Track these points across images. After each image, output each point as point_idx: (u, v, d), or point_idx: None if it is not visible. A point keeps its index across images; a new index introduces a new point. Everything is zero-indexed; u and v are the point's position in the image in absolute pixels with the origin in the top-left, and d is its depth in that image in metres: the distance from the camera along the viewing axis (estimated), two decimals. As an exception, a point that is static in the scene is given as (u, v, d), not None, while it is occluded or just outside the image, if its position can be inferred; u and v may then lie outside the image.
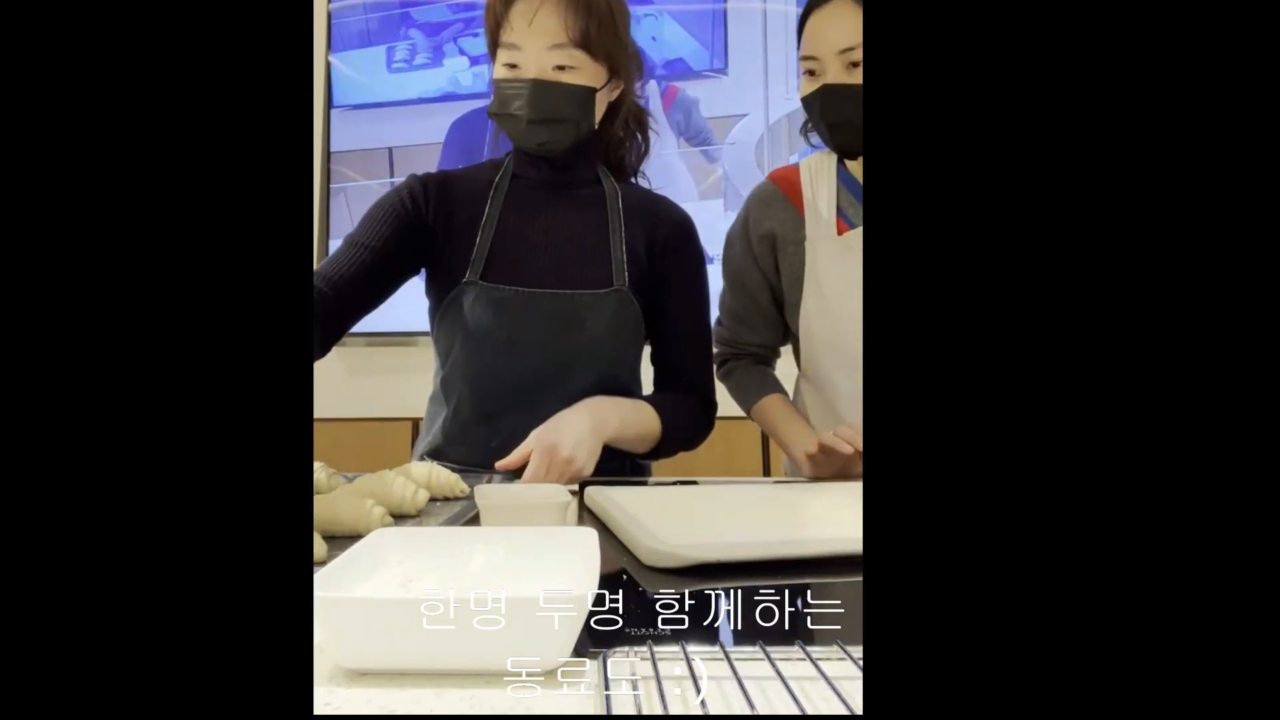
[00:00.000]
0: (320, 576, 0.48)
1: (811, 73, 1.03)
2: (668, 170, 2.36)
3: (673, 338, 1.15)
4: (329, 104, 2.48)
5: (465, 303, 1.07)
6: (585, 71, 1.02)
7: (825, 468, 0.98)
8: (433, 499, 0.91)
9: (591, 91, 1.04)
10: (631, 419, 1.04)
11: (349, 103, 2.49)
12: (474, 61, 2.47)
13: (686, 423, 1.12)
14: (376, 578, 0.54)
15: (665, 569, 0.65)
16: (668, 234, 1.14)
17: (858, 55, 0.98)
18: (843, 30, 0.99)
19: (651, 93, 2.34)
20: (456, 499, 0.92)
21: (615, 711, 0.41)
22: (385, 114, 2.47)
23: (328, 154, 2.47)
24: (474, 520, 0.78)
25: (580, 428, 0.96)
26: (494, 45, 1.05)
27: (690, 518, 0.79)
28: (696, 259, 1.17)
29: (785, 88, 2.31)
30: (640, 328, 1.12)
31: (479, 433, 1.09)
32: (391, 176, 2.46)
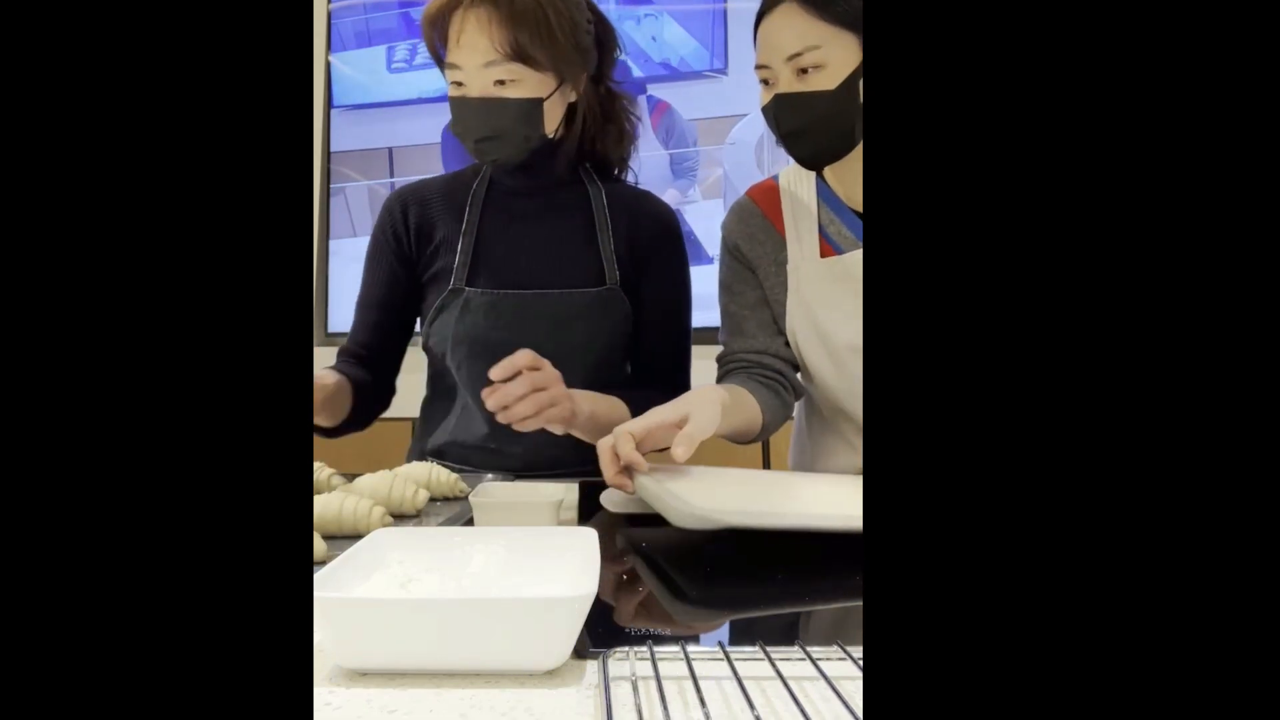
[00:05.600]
0: (320, 576, 0.48)
1: (766, 82, 0.99)
2: (663, 173, 2.36)
3: (649, 330, 1.15)
4: (329, 104, 2.48)
5: (454, 309, 1.08)
6: (527, 83, 1.00)
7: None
8: (433, 499, 0.91)
9: (536, 103, 1.01)
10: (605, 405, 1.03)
11: (349, 103, 2.49)
12: (474, 61, 2.47)
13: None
14: (376, 578, 0.54)
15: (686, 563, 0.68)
16: (651, 230, 1.14)
17: (805, 61, 0.94)
18: (789, 35, 0.95)
19: (642, 111, 2.32)
20: (456, 499, 0.92)
21: (615, 711, 0.41)
22: (385, 114, 2.47)
23: (328, 154, 2.47)
24: (474, 520, 0.78)
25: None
26: (440, 64, 1.04)
27: (720, 489, 0.81)
28: (679, 254, 1.17)
29: (785, 88, 2.31)
30: (629, 326, 1.13)
31: (476, 435, 1.10)
32: (391, 177, 2.46)
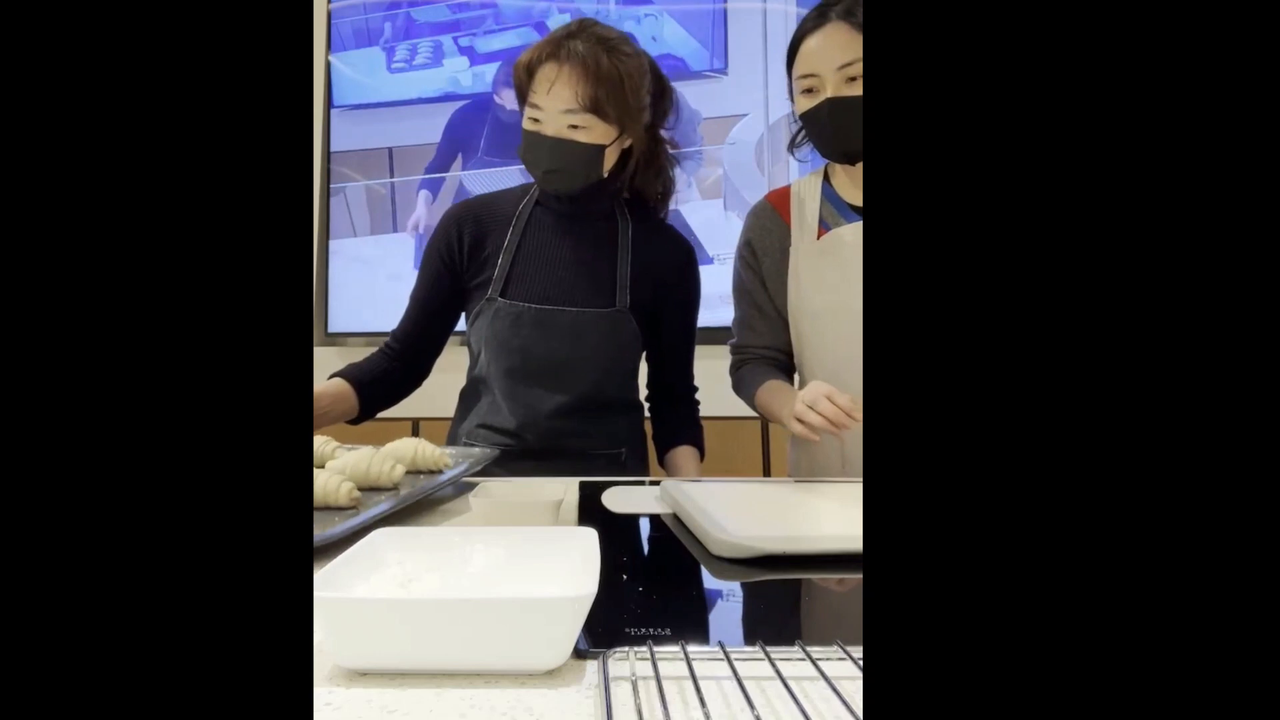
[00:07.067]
0: (320, 576, 0.48)
1: (811, 90, 1.15)
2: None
3: (670, 354, 1.38)
4: (329, 104, 2.48)
5: (488, 315, 1.29)
6: (596, 131, 1.20)
7: (810, 429, 1.03)
8: (418, 472, 1.00)
9: (600, 149, 1.22)
10: (698, 467, 1.36)
11: (349, 103, 2.48)
12: (474, 61, 2.47)
13: (698, 431, 1.40)
14: (376, 578, 0.54)
15: (730, 559, 0.70)
16: (668, 266, 1.33)
17: (855, 70, 1.10)
18: (839, 49, 1.11)
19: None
20: (438, 472, 1.01)
21: (615, 711, 0.41)
22: (385, 114, 2.47)
23: (328, 154, 2.47)
24: (469, 514, 0.79)
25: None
26: (522, 101, 1.24)
27: (755, 512, 0.85)
28: (692, 288, 1.38)
29: (785, 88, 2.31)
30: (636, 342, 1.31)
31: (502, 422, 1.30)
32: (391, 176, 2.46)
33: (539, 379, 1.26)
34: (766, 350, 1.28)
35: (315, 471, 0.82)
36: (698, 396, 1.43)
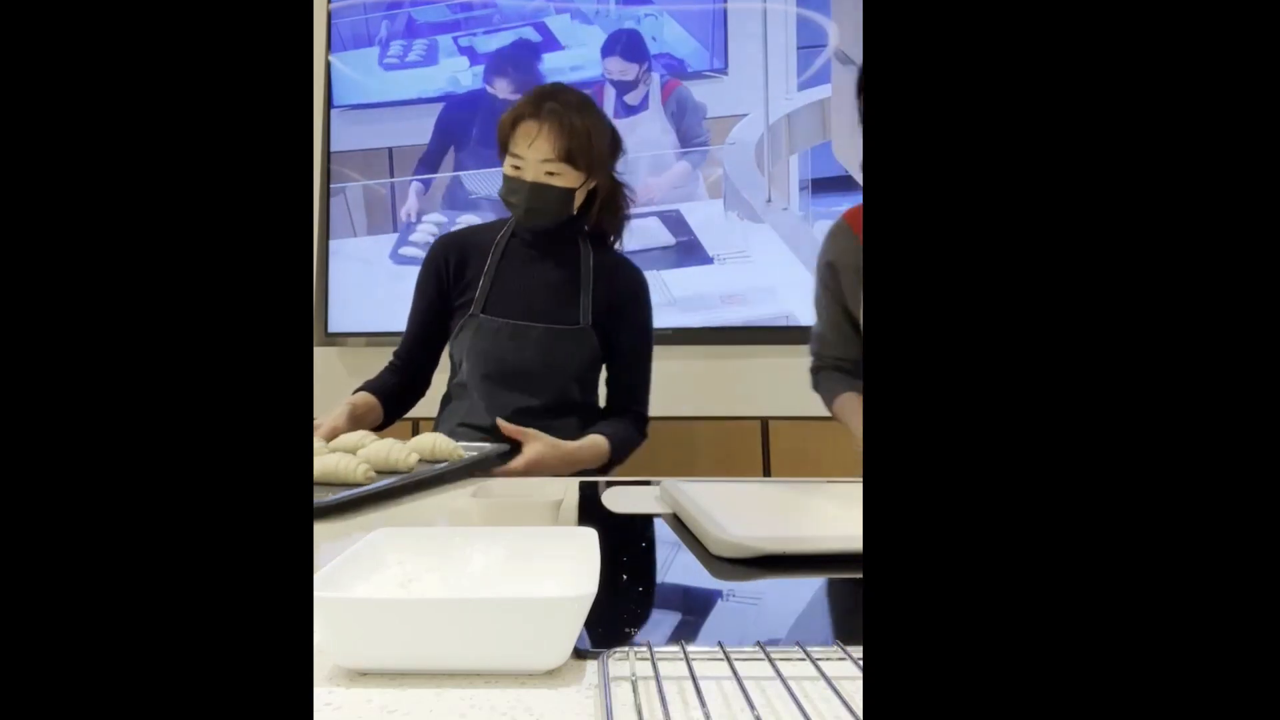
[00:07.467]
0: (320, 577, 0.48)
1: None
2: (667, 169, 2.36)
3: (618, 368, 1.60)
4: (329, 104, 2.48)
5: (470, 329, 1.52)
6: (567, 177, 1.46)
7: None
8: (435, 462, 1.14)
9: (571, 191, 1.47)
10: (588, 449, 1.44)
11: (349, 103, 2.48)
12: (474, 61, 2.47)
13: (624, 437, 1.53)
14: (376, 578, 0.54)
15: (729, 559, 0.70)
16: (622, 291, 1.58)
17: None
18: None
19: (653, 85, 2.38)
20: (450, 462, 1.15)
21: (615, 711, 0.41)
22: (385, 114, 2.47)
23: (328, 154, 2.47)
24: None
25: (554, 451, 1.37)
26: (503, 150, 1.48)
27: (755, 512, 0.86)
28: (643, 310, 1.61)
29: (785, 88, 2.31)
30: (596, 354, 1.55)
31: (479, 420, 1.52)
32: (391, 177, 2.46)
33: (512, 383, 1.49)
34: (839, 360, 1.48)
35: (342, 455, 0.99)
36: (647, 420, 1.58)
